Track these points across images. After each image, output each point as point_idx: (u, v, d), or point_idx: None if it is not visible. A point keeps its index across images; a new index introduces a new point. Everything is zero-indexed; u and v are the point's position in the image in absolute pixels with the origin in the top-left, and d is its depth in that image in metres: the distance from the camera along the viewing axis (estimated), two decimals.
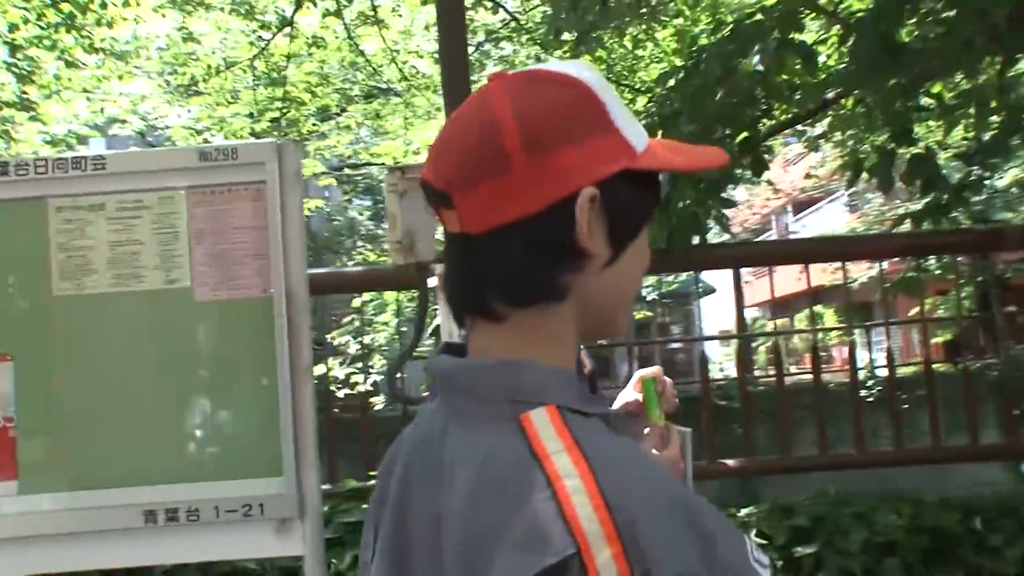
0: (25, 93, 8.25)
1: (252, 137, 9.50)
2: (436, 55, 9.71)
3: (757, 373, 13.54)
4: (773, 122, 7.10)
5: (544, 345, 0.96)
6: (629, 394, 1.87)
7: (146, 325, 2.51)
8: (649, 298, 16.95)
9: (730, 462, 3.84)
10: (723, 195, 4.41)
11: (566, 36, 6.23)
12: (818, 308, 22.67)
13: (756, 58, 4.00)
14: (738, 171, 4.66)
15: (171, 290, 2.51)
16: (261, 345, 2.46)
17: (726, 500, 3.98)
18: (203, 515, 2.39)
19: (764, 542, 3.50)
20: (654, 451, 1.68)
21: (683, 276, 15.63)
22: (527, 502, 0.83)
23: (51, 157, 2.58)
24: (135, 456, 2.44)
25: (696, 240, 4.21)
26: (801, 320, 22.39)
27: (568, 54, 6.54)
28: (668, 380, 1.82)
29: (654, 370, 1.86)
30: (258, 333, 2.48)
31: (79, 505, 2.40)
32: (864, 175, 4.25)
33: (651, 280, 15.63)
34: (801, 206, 26.46)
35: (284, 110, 8.96)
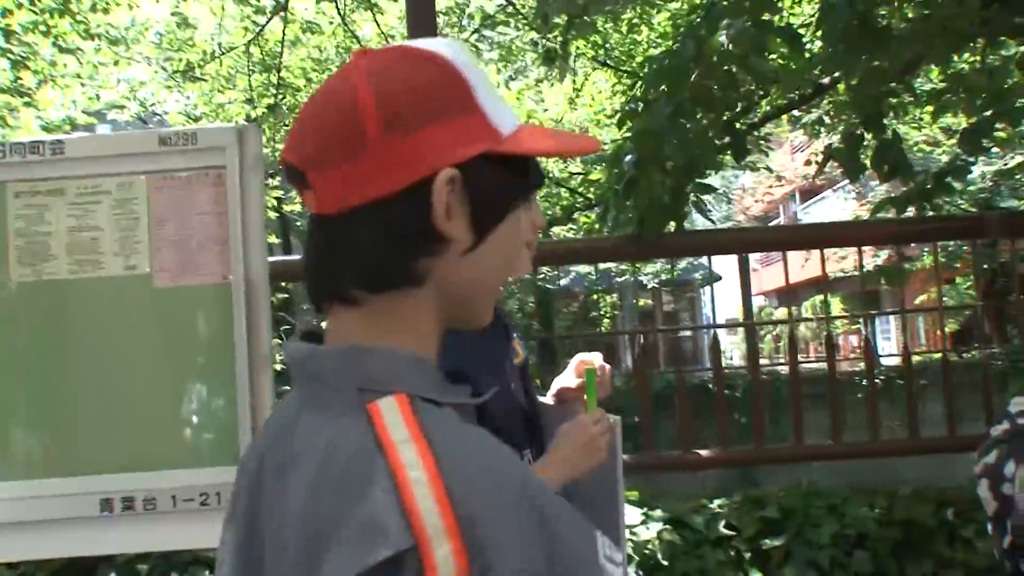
0: (19, 79, 8.24)
1: (248, 123, 9.54)
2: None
3: (763, 362, 13.54)
4: (768, 108, 7.08)
5: (400, 331, 0.92)
6: (568, 378, 1.86)
7: (105, 312, 2.50)
8: (650, 286, 16.99)
9: (704, 453, 3.80)
10: (701, 181, 4.35)
11: (557, 20, 6.18)
12: (822, 298, 22.68)
13: (723, 37, 3.92)
14: (720, 156, 4.62)
15: (130, 276, 2.50)
16: (221, 332, 2.45)
17: (721, 490, 3.96)
18: (160, 504, 2.39)
19: (732, 533, 3.48)
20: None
21: (683, 263, 15.54)
22: (366, 494, 0.79)
23: (9, 142, 2.57)
24: (92, 444, 2.43)
25: (672, 227, 4.16)
26: (808, 309, 22.41)
27: (559, 39, 6.48)
28: (607, 367, 1.82)
29: (595, 356, 1.86)
30: (218, 320, 2.47)
31: (35, 494, 2.40)
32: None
33: (653, 267, 15.67)
34: (809, 194, 26.32)
35: (280, 95, 8.94)
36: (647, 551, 3.33)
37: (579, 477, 1.69)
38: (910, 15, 4.22)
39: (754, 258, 28.13)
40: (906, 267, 4.60)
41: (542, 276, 12.65)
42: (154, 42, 9.14)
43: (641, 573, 3.27)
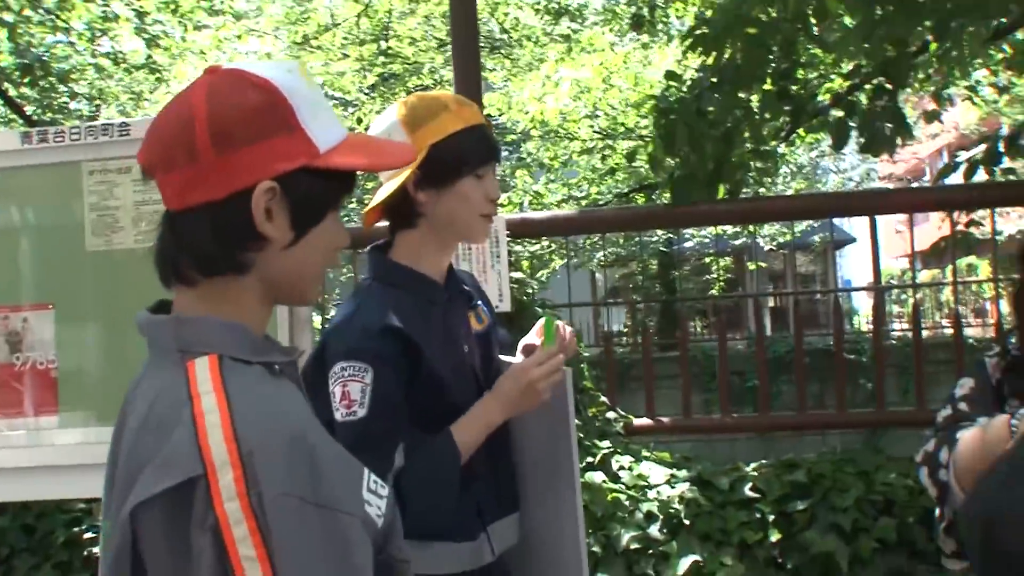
0: (151, 58, 8.78)
1: (361, 93, 9.85)
2: (537, 6, 9.81)
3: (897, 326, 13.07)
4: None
5: (228, 308, 1.10)
6: (532, 337, 2.00)
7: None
8: (766, 248, 16.65)
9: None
10: (763, 148, 4.38)
11: None
12: (972, 259, 21.58)
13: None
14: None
15: None
16: None
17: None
18: None
19: (757, 496, 3.55)
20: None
21: (801, 225, 15.14)
22: (172, 434, 0.98)
23: (84, 125, 2.84)
24: None
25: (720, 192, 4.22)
26: (951, 273, 21.39)
27: (648, 4, 6.42)
28: (570, 330, 1.95)
29: (559, 323, 1.99)
30: None
31: (108, 439, 2.71)
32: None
33: (771, 230, 15.37)
34: (956, 151, 24.96)
35: (388, 63, 9.24)
36: (671, 510, 3.44)
37: (523, 416, 1.80)
38: None
39: (898, 219, 26.98)
40: (973, 233, 4.48)
41: (663, 239, 12.64)
42: (274, 15, 9.53)
43: (665, 531, 3.39)
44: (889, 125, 4.02)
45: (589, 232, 8.86)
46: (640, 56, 9.35)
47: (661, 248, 12.97)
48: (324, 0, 9.12)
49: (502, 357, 1.95)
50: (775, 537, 3.44)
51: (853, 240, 21.97)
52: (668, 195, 4.39)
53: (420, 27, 9.48)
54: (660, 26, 7.36)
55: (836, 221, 19.18)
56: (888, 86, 4.17)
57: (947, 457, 2.00)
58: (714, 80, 4.45)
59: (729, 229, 12.99)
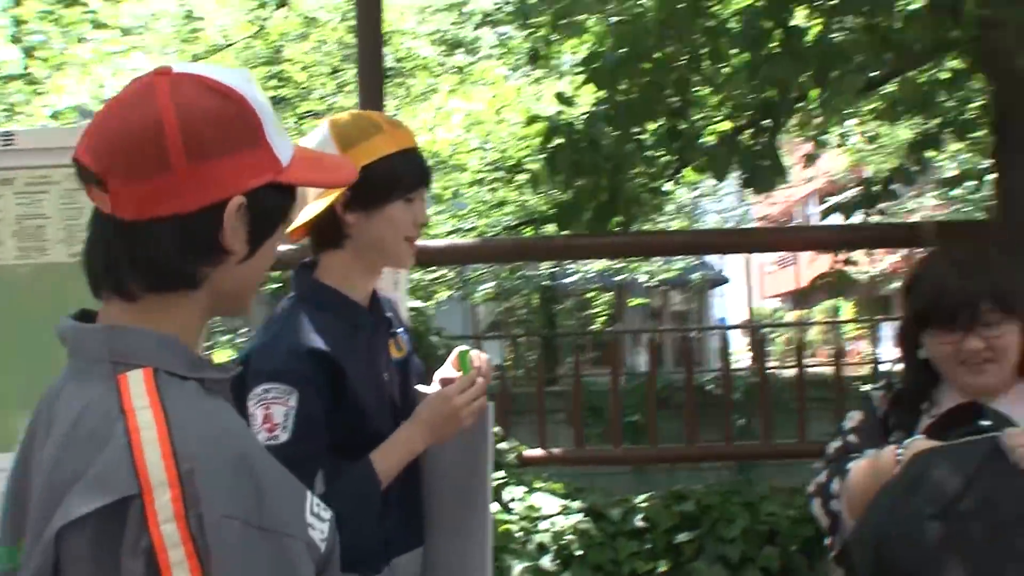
0: (28, 69, 8.43)
1: None
2: (433, 36, 9.87)
3: (773, 363, 13.54)
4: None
5: (167, 323, 1.04)
6: (447, 369, 1.99)
7: (48, 296, 2.64)
8: (645, 285, 17.18)
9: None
10: (654, 185, 4.55)
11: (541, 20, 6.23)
12: (837, 302, 22.61)
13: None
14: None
15: (74, 263, 2.66)
16: None
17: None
18: None
19: (647, 526, 3.61)
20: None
21: (680, 263, 15.65)
22: (105, 450, 0.92)
23: None
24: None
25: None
26: (819, 313, 22.37)
27: (543, 39, 6.54)
28: (485, 357, 1.95)
29: (476, 352, 1.98)
30: None
31: None
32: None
33: (649, 267, 15.85)
34: (828, 195, 26.21)
35: (279, 87, 9.14)
36: (563, 541, 3.47)
37: (443, 444, 1.77)
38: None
39: (769, 260, 28.10)
40: (848, 272, 4.79)
41: (546, 274, 12.87)
42: (164, 32, 9.30)
43: (558, 562, 3.41)
44: (767, 163, 4.22)
45: (490, 261, 8.91)
46: (533, 90, 9.52)
47: (544, 283, 13.19)
48: (216, 20, 8.95)
49: (418, 387, 1.94)
50: (664, 567, 3.51)
51: (726, 280, 22.70)
52: (556, 224, 4.50)
53: (312, 52, 9.42)
54: (553, 61, 7.54)
55: (710, 261, 19.92)
56: (769, 126, 4.38)
57: (838, 487, 2.09)
58: (608, 113, 4.58)
59: (612, 264, 13.31)
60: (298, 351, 1.66)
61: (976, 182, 5.74)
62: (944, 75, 4.74)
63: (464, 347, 1.91)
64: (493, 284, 12.40)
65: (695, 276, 18.60)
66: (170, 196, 0.99)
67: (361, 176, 1.69)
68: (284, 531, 0.96)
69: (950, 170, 7.38)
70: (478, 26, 9.19)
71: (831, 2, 4.24)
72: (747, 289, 16.05)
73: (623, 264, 13.03)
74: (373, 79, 3.36)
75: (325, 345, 1.69)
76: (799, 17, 4.45)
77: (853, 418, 2.24)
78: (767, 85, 4.38)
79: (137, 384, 0.97)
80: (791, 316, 27.46)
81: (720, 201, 17.52)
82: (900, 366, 2.26)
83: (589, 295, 16.08)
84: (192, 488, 0.90)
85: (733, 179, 4.91)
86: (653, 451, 4.48)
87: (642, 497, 3.81)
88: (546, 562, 3.39)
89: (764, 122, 4.42)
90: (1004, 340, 2.04)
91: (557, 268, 10.46)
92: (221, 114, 1.02)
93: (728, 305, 25.90)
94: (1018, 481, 1.86)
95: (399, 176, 1.75)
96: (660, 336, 18.90)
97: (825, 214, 5.59)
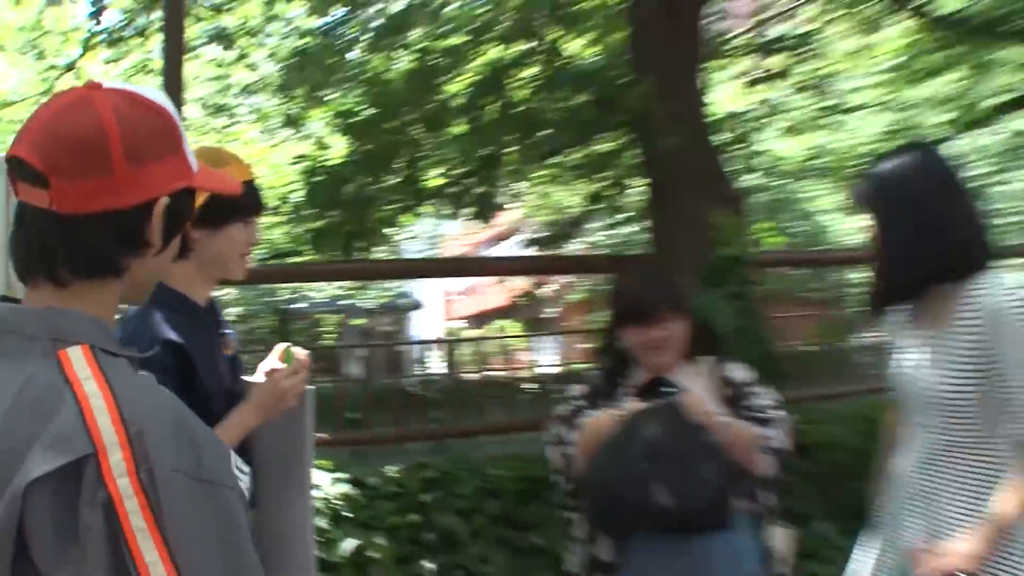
0: None
1: None
2: (199, 101, 9.39)
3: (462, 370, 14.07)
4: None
5: (91, 307, 0.99)
6: (273, 361, 1.96)
7: None
8: (367, 307, 17.44)
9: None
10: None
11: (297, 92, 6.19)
12: (507, 322, 23.79)
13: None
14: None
15: None
16: None
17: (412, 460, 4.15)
18: None
19: (401, 490, 3.67)
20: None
21: (393, 290, 15.97)
22: (57, 416, 0.88)
23: None
24: None
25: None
26: (492, 330, 23.40)
27: (298, 107, 6.51)
28: (305, 352, 1.93)
29: (298, 349, 1.96)
30: None
31: None
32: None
33: (369, 294, 16.12)
34: (502, 237, 27.56)
35: None
36: (333, 504, 3.44)
37: (270, 423, 1.75)
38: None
39: (455, 289, 28.96)
40: (536, 293, 5.22)
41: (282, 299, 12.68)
42: None
43: (333, 522, 3.38)
44: (488, 202, 4.49)
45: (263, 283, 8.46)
46: (281, 149, 9.32)
47: (281, 307, 13.01)
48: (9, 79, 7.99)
49: (245, 378, 1.90)
50: (414, 519, 3.57)
51: (422, 305, 23.16)
52: (313, 248, 4.50)
53: None
54: (303, 124, 7.57)
55: (410, 290, 20.29)
56: (487, 176, 4.65)
57: (572, 438, 2.29)
58: (357, 160, 4.67)
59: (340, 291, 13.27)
60: (156, 341, 1.61)
61: (636, 226, 6.42)
62: (611, 147, 5.19)
63: (288, 344, 1.91)
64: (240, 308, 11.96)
65: (402, 301, 18.97)
66: (109, 194, 0.96)
67: (212, 198, 1.68)
68: (222, 483, 0.94)
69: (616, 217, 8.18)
70: (237, 95, 8.97)
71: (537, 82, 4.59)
72: (439, 312, 16.50)
73: (350, 291, 13.03)
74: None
75: (179, 338, 1.66)
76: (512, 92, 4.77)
77: (576, 390, 2.42)
78: (485, 144, 4.64)
79: (79, 359, 0.93)
80: (473, 333, 28.44)
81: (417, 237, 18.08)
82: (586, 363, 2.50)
83: (319, 316, 15.97)
84: (141, 448, 0.87)
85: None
86: (404, 432, 4.50)
87: (393, 468, 3.86)
88: (323, 523, 3.34)
89: (483, 172, 4.67)
90: (676, 331, 2.29)
91: (296, 295, 10.26)
92: (153, 125, 1.00)
93: (423, 325, 26.36)
94: (692, 428, 2.12)
95: (242, 201, 1.73)
96: (372, 350, 19.00)
97: (527, 246, 5.96)
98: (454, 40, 5.20)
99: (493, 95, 4.49)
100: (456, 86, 5.08)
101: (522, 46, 4.79)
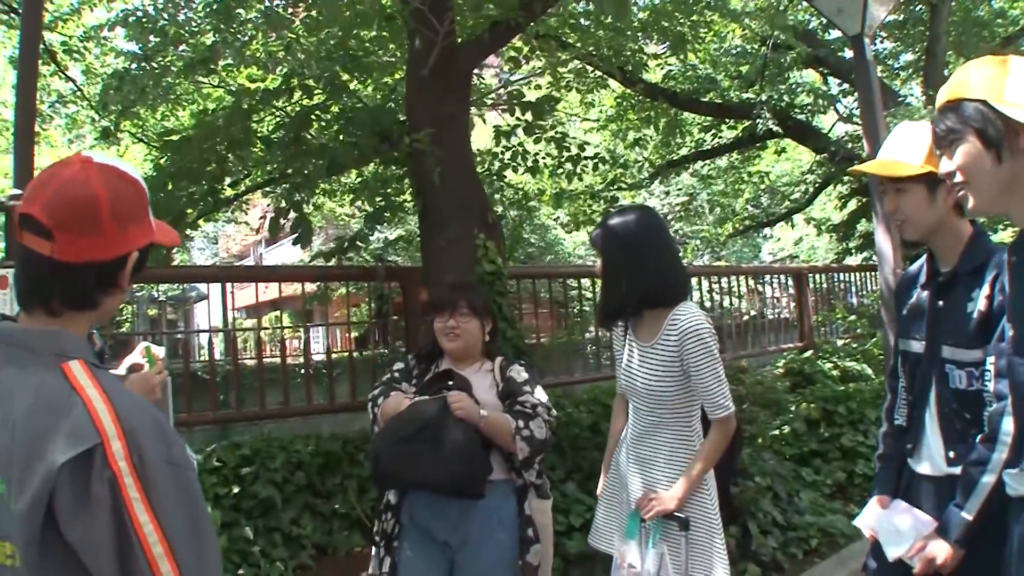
0: None
1: None
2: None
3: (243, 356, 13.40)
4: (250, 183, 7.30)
5: (74, 329, 1.13)
6: (135, 357, 2.08)
7: None
8: (160, 299, 16.25)
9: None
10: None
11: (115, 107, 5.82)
12: (278, 313, 23.00)
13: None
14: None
15: None
16: None
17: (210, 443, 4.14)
18: None
19: (221, 464, 3.79)
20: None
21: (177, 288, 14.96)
22: (69, 414, 1.00)
23: None
24: None
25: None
26: (267, 321, 22.49)
27: (114, 121, 6.15)
28: (162, 349, 2.08)
29: (158, 348, 2.10)
30: None
31: None
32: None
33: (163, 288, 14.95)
34: (272, 241, 26.43)
35: None
36: None
37: None
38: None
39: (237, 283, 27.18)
40: (329, 293, 5.45)
41: None
42: None
43: None
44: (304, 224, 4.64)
45: None
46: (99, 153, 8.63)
47: None
48: None
49: (112, 371, 2.04)
50: (235, 490, 3.70)
51: (206, 297, 21.82)
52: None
53: None
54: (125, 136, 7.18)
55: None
56: (298, 199, 4.81)
57: (381, 403, 2.49)
58: (171, 172, 4.73)
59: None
60: None
61: (407, 245, 6.76)
62: (387, 175, 5.47)
63: (148, 343, 2.07)
64: None
65: (192, 294, 17.78)
66: (98, 249, 1.10)
67: None
68: (185, 465, 1.06)
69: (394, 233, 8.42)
70: (51, 105, 8.30)
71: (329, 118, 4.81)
72: (221, 304, 15.78)
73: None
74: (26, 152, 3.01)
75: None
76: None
77: (396, 367, 2.63)
78: (292, 169, 4.81)
79: (79, 370, 1.05)
80: (251, 323, 26.98)
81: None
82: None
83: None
84: (133, 439, 1.00)
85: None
86: (225, 414, 4.53)
87: (215, 446, 3.94)
88: None
89: (294, 196, 4.81)
90: (470, 326, 2.52)
91: None
92: (131, 195, 1.14)
93: (205, 314, 24.77)
94: (453, 418, 2.30)
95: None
96: (162, 336, 17.69)
97: (312, 259, 6.11)
98: (268, 83, 5.34)
99: (294, 130, 4.70)
100: (267, 120, 5.20)
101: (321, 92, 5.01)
